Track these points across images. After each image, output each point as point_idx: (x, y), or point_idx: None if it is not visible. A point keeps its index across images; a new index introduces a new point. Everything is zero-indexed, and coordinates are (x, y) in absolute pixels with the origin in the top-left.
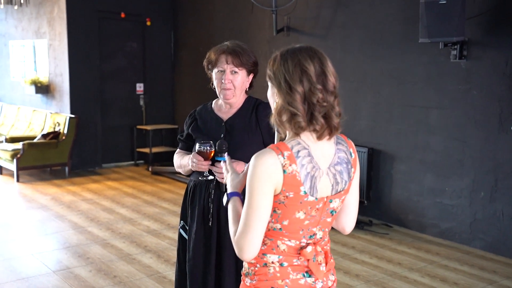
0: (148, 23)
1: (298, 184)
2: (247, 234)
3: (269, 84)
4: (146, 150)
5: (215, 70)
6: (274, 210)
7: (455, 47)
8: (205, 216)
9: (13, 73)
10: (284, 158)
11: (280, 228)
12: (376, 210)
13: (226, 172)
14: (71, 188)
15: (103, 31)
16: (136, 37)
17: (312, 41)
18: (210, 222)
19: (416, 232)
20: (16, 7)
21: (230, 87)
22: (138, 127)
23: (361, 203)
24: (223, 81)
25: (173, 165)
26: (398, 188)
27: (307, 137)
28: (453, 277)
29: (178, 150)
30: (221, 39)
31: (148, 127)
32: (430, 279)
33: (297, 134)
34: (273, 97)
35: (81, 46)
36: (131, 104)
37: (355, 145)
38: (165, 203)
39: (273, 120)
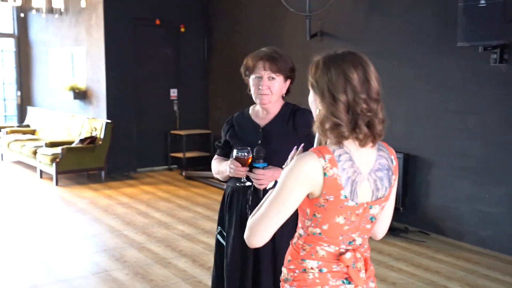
0: (182, 30)
1: (339, 188)
2: (263, 222)
3: (311, 91)
4: (180, 155)
5: (252, 76)
6: (313, 214)
7: (495, 50)
8: (243, 222)
9: (52, 79)
10: (325, 161)
11: (320, 233)
12: (412, 217)
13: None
14: (107, 192)
15: (138, 38)
16: (170, 43)
17: (346, 46)
18: None
19: (454, 240)
20: (56, 15)
21: (268, 92)
22: (172, 132)
23: (396, 209)
24: (260, 86)
25: (206, 170)
26: (435, 194)
27: (349, 143)
28: (495, 287)
29: (216, 156)
30: (254, 45)
31: (182, 132)
32: None
33: (339, 142)
34: (315, 104)
35: (117, 52)
36: (165, 110)
37: None
38: (199, 208)
39: (315, 128)
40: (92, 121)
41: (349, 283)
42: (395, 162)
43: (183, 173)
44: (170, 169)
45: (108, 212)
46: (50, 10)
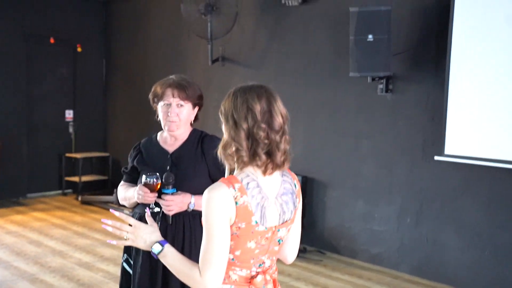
0: (79, 49)
1: (250, 214)
2: (211, 269)
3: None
4: (76, 178)
5: (161, 103)
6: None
7: (382, 81)
8: None
9: None
10: (235, 190)
11: (233, 259)
12: (310, 237)
13: (133, 230)
14: None
15: (31, 55)
16: (67, 62)
17: (247, 71)
18: None
19: (348, 258)
20: None
21: (176, 119)
22: (67, 154)
23: None
24: (169, 114)
25: (104, 194)
26: (331, 215)
27: (254, 170)
28: None
29: (122, 182)
30: (155, 66)
31: (78, 155)
32: None
33: (241, 168)
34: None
35: (6, 69)
36: (60, 131)
37: None
38: (97, 234)
39: (219, 152)
40: None
41: None
42: (297, 186)
43: (79, 198)
44: (65, 193)
45: None
46: None
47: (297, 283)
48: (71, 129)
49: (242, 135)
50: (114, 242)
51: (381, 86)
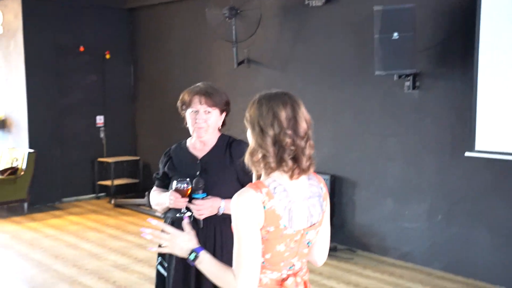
0: (107, 56)
1: (278, 218)
2: (245, 272)
3: (246, 125)
4: (108, 182)
5: (189, 110)
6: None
7: (409, 78)
8: None
9: None
10: (263, 195)
11: (263, 262)
12: (340, 235)
13: (169, 238)
14: (31, 224)
15: (61, 65)
16: (96, 70)
17: (272, 73)
18: None
19: (379, 255)
20: None
21: (204, 125)
22: (99, 159)
23: None
24: (197, 120)
25: (136, 197)
26: (361, 213)
27: (279, 176)
28: None
29: (154, 188)
30: (180, 72)
31: (109, 160)
32: None
33: (268, 174)
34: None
35: (39, 80)
36: (91, 137)
37: (318, 172)
38: (130, 236)
39: (246, 159)
40: (12, 151)
41: None
42: (324, 189)
43: (112, 201)
44: (98, 197)
45: (34, 246)
46: None
47: (329, 281)
48: (102, 135)
49: (269, 141)
50: (153, 249)
51: (408, 83)
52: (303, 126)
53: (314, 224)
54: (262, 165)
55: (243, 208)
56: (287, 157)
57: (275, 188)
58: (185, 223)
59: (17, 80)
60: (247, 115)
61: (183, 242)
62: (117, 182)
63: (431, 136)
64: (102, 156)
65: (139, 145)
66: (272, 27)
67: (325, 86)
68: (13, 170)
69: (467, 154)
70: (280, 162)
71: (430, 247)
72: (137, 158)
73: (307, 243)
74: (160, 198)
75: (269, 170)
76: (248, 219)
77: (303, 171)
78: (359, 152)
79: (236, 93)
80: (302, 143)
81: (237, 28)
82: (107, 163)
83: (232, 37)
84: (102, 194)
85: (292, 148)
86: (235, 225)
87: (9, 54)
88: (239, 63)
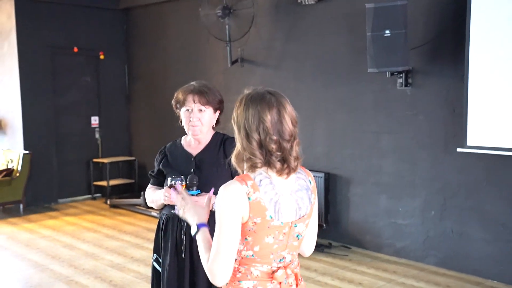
0: (102, 57)
1: (263, 210)
2: (219, 260)
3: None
4: (104, 183)
5: (183, 109)
6: (245, 238)
7: (401, 75)
8: (178, 248)
9: None
10: (248, 187)
11: (252, 255)
12: (334, 232)
13: (184, 204)
14: (27, 225)
15: (56, 66)
16: (90, 71)
17: (266, 71)
18: (183, 254)
19: (373, 252)
20: None
21: (198, 124)
22: (95, 160)
23: (320, 226)
24: (191, 119)
25: (132, 197)
26: (355, 210)
27: (267, 169)
28: None
29: (149, 185)
30: (175, 71)
31: (105, 160)
32: None
33: (254, 171)
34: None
35: (33, 81)
36: (87, 138)
37: (312, 170)
38: (127, 236)
39: (233, 160)
40: (7, 153)
41: None
42: (312, 183)
43: (108, 202)
44: (94, 198)
45: (30, 247)
46: None
47: (323, 278)
48: (97, 135)
49: (255, 145)
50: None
51: (400, 80)
52: (289, 128)
53: (303, 217)
54: (248, 165)
55: (226, 199)
56: (274, 160)
57: (261, 180)
58: (209, 196)
59: (11, 81)
60: (234, 115)
61: (196, 213)
62: (113, 182)
63: (424, 132)
64: (97, 157)
65: (134, 145)
66: (265, 25)
67: (319, 84)
68: (9, 172)
69: (458, 150)
70: (268, 164)
71: (424, 242)
72: (133, 158)
73: (297, 236)
74: (155, 195)
75: (255, 168)
76: (230, 210)
77: (292, 170)
78: (352, 149)
79: (230, 92)
80: (288, 145)
81: (231, 27)
82: (103, 163)
83: (225, 37)
84: (98, 194)
85: (278, 153)
86: (217, 215)
87: (3, 56)
88: (233, 62)
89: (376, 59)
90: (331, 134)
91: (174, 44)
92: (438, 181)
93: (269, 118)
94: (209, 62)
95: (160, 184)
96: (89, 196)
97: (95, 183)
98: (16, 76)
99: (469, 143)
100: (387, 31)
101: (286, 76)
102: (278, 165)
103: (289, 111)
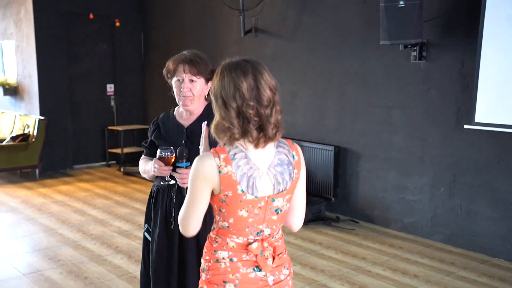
0: (117, 24)
1: (235, 184)
2: (187, 217)
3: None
4: (118, 150)
5: (174, 79)
6: (220, 209)
7: (415, 48)
8: (168, 220)
9: None
10: (220, 160)
11: (228, 226)
12: (343, 206)
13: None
14: (41, 190)
15: (71, 33)
16: (106, 38)
17: (279, 42)
18: (173, 226)
19: (381, 227)
20: None
21: (189, 94)
22: (109, 127)
23: (328, 200)
24: (182, 89)
25: None
26: (364, 185)
27: (244, 143)
28: (413, 269)
29: (142, 156)
30: (190, 40)
31: (119, 128)
32: (391, 272)
33: (231, 144)
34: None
35: (49, 47)
36: (102, 105)
37: (322, 143)
38: (137, 204)
39: (212, 131)
40: (24, 118)
41: (260, 270)
42: (297, 157)
43: (122, 169)
44: (108, 165)
45: (42, 211)
46: None
47: (327, 251)
48: (112, 103)
49: (233, 114)
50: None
51: (414, 53)
52: (266, 94)
53: (281, 192)
54: (227, 136)
55: (198, 169)
56: (252, 128)
57: (235, 154)
58: (205, 136)
59: (27, 47)
60: (211, 87)
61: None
62: (127, 150)
63: (435, 108)
64: (112, 125)
65: (149, 113)
66: None
67: (331, 57)
68: (25, 137)
69: (466, 126)
70: (245, 133)
71: (432, 219)
72: (147, 127)
73: (275, 210)
74: (147, 166)
75: (234, 140)
76: (199, 180)
77: (270, 139)
78: (364, 123)
79: None
80: (266, 111)
81: None
82: (117, 131)
83: (239, 5)
84: (113, 162)
85: (256, 119)
86: (189, 182)
87: (20, 21)
88: (246, 32)
89: (389, 30)
90: (342, 108)
91: (189, 12)
92: (448, 158)
93: (245, 84)
94: (222, 32)
95: (152, 155)
96: (104, 163)
97: (110, 150)
98: (32, 42)
99: (477, 120)
100: (401, 2)
101: (299, 48)
102: (254, 133)
103: (267, 77)
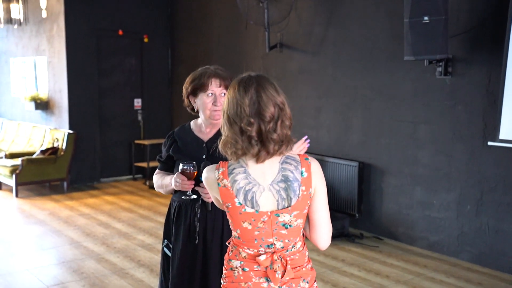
0: (146, 40)
1: (232, 196)
2: None
3: None
4: (144, 164)
5: (201, 94)
6: (229, 220)
7: (440, 64)
8: (191, 235)
9: (14, 89)
10: (218, 173)
11: (238, 237)
12: (367, 223)
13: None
14: (69, 203)
15: (101, 48)
16: (134, 53)
17: (304, 57)
18: (197, 241)
19: (406, 244)
20: (15, 26)
21: (221, 108)
22: (136, 141)
23: (352, 216)
24: (214, 103)
25: None
26: (389, 201)
27: (246, 158)
28: None
29: (157, 170)
30: (217, 56)
31: (146, 142)
32: None
33: (235, 159)
34: None
35: (79, 63)
36: (129, 119)
37: (346, 159)
38: (161, 218)
39: (219, 148)
40: (54, 132)
41: (271, 281)
42: (306, 174)
43: (147, 183)
44: (135, 178)
45: (68, 224)
46: (9, 21)
47: (350, 268)
48: (139, 117)
49: (237, 130)
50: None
51: (439, 69)
52: (269, 110)
53: (286, 208)
54: (232, 151)
55: (205, 180)
56: (253, 144)
57: (233, 169)
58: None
59: (59, 62)
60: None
61: None
62: (153, 164)
63: (462, 124)
64: (139, 138)
65: (175, 128)
66: (305, 10)
67: (357, 71)
68: (54, 150)
69: (489, 143)
70: (247, 149)
71: (458, 237)
72: None
73: (283, 225)
74: (165, 181)
75: (237, 156)
76: (209, 189)
77: (271, 154)
78: (389, 139)
79: (270, 76)
80: (268, 126)
81: (269, 12)
82: (144, 145)
83: (264, 21)
84: (139, 175)
85: (256, 135)
86: None
87: (52, 37)
88: (271, 48)
89: (414, 46)
90: (367, 123)
91: (215, 28)
92: (475, 174)
93: (246, 100)
94: (248, 47)
95: (168, 169)
96: (130, 176)
97: (136, 164)
98: (63, 57)
99: (502, 137)
100: (426, 18)
101: (324, 63)
102: (255, 149)
103: (271, 92)
